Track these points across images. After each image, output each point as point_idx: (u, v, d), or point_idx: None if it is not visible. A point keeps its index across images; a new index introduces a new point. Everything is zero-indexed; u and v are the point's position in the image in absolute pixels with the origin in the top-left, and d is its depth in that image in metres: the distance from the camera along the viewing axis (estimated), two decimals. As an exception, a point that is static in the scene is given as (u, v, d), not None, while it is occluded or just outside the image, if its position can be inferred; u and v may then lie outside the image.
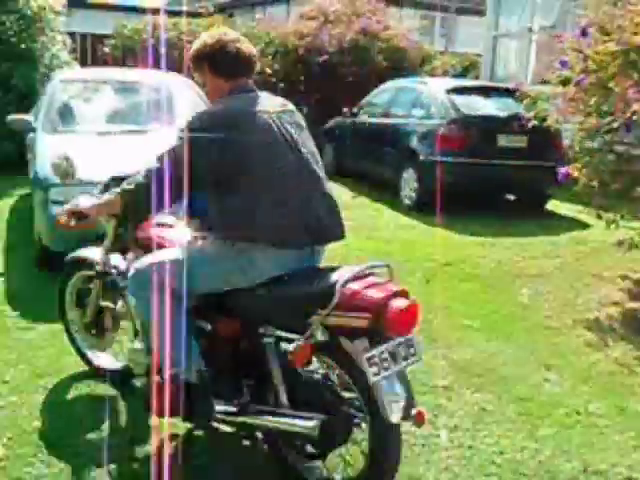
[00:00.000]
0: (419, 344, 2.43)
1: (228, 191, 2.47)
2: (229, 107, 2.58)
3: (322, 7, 13.24)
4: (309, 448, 2.51)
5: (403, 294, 2.35)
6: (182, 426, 2.89)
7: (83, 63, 10.70)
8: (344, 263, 2.63)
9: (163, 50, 9.27)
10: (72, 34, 10.52)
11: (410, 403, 2.33)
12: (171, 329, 2.53)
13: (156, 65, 8.19)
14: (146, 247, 2.87)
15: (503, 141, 7.58)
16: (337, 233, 2.62)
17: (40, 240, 5.03)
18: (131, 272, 2.72)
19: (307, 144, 2.64)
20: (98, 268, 3.16)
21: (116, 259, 3.16)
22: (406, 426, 2.48)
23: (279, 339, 2.48)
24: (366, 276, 2.39)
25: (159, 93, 6.40)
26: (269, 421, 2.49)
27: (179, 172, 2.42)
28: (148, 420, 2.96)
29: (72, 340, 3.54)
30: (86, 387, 3.40)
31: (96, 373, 3.44)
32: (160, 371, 2.62)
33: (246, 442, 2.89)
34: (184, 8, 12.15)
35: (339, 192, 7.13)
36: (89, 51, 11.43)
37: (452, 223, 6.89)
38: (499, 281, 5.37)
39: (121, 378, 3.32)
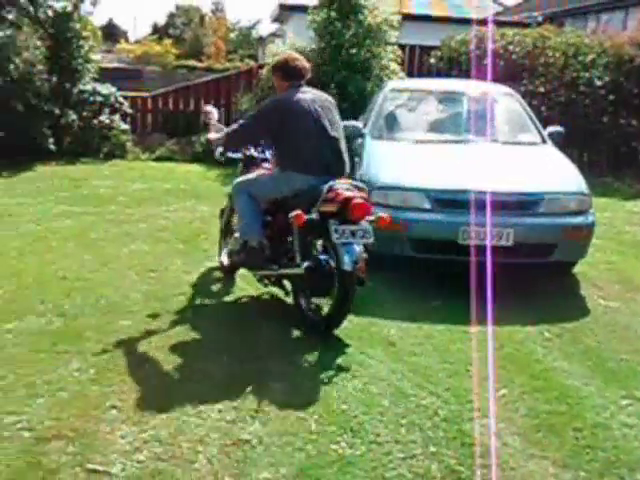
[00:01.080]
0: (370, 232, 3.99)
1: (279, 142, 4.38)
2: (284, 96, 4.41)
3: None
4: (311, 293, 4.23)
5: (363, 197, 3.99)
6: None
7: (410, 74, 11.19)
8: None
9: (489, 61, 9.28)
10: (402, 46, 11.06)
11: (358, 261, 3.90)
12: (249, 215, 4.44)
13: (480, 76, 8.25)
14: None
15: None
16: (340, 171, 4.32)
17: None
18: (233, 183, 4.69)
19: (328, 117, 4.40)
20: None
21: None
22: None
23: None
24: (349, 188, 4.04)
25: (481, 104, 6.46)
26: (290, 270, 4.24)
27: (253, 129, 4.42)
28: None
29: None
30: (390, 384, 3.59)
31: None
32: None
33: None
34: (509, 19, 12.01)
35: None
36: (416, 62, 11.89)
37: None
38: None
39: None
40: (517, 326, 4.34)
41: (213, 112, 5.10)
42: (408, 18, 13.86)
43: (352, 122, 6.63)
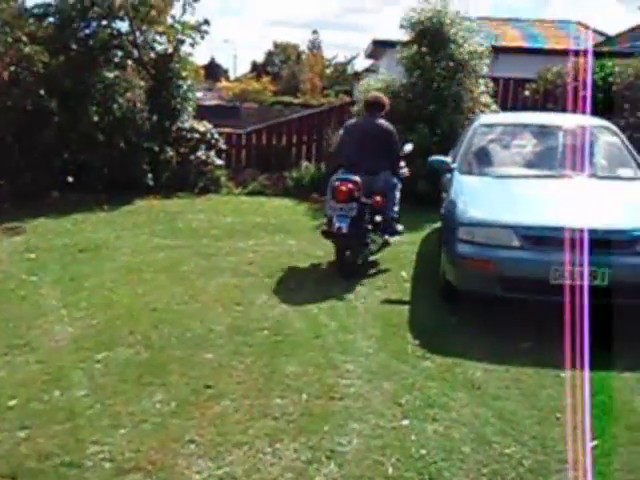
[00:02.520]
0: (353, 209, 5.88)
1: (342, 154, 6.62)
2: (353, 121, 7.13)
3: None
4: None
5: (347, 187, 5.92)
6: None
7: (504, 107, 10.98)
8: None
9: (587, 93, 8.97)
10: (496, 79, 10.89)
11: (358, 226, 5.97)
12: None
13: (577, 109, 7.99)
14: None
15: None
16: (372, 171, 6.24)
17: (444, 274, 5.29)
18: None
19: (376, 138, 6.41)
20: None
21: None
22: None
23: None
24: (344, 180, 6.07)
25: (576, 138, 6.23)
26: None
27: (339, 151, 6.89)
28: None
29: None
30: (472, 430, 3.45)
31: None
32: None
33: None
34: (611, 48, 11.59)
35: None
36: (510, 95, 11.66)
37: None
38: None
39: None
40: (613, 372, 4.09)
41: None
42: (503, 51, 13.71)
43: (440, 157, 6.58)
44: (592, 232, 4.62)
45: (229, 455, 3.15)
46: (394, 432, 3.39)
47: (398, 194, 6.63)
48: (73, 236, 7.60)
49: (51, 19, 9.97)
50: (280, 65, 63.92)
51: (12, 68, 9.17)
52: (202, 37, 10.94)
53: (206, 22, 10.92)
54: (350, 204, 5.92)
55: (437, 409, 3.63)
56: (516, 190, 5.49)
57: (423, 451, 3.21)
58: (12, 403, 3.61)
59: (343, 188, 5.91)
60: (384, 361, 4.26)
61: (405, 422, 3.49)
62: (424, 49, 9.73)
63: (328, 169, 10.36)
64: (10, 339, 4.50)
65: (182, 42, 10.70)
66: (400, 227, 6.71)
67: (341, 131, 6.84)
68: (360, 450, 3.21)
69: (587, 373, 3.90)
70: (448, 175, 6.32)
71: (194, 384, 3.89)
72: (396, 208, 6.61)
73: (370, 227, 6.29)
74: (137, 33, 10.55)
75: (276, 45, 67.53)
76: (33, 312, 5.06)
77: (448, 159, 6.49)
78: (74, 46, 9.85)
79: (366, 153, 6.29)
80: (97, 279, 5.93)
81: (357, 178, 6.01)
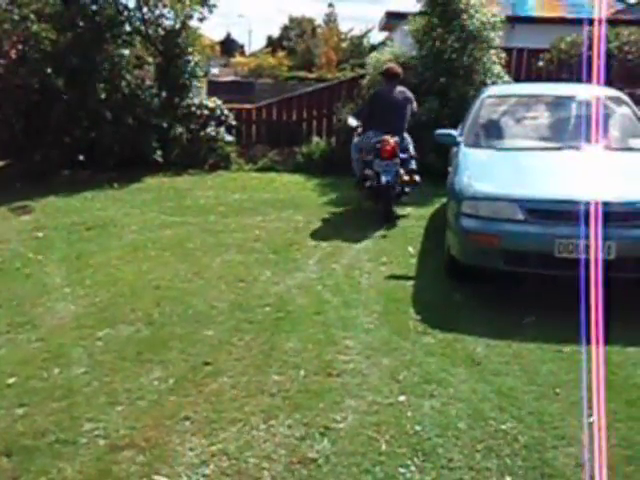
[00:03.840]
0: (397, 164, 6.98)
1: (371, 118, 7.40)
2: (379, 89, 7.88)
3: None
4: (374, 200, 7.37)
5: (390, 146, 6.93)
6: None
7: (517, 78, 10.79)
8: None
9: (600, 62, 8.77)
10: (509, 49, 10.68)
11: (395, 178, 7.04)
12: (354, 159, 7.80)
13: (591, 79, 7.81)
14: None
15: None
16: (399, 132, 7.27)
17: (449, 249, 5.23)
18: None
19: (400, 104, 7.49)
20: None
21: None
22: None
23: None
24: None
25: (588, 109, 6.09)
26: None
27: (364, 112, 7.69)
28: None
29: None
30: (469, 406, 3.42)
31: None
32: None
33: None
34: (629, 17, 11.31)
35: None
36: (524, 65, 11.44)
37: None
38: None
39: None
40: (616, 347, 4.01)
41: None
42: (516, 20, 13.44)
43: (446, 130, 6.48)
44: (600, 204, 4.50)
45: (223, 432, 3.15)
46: (390, 408, 3.36)
47: (413, 150, 7.59)
48: (81, 214, 7.62)
49: (58, -5, 9.89)
50: (295, 40, 63.34)
51: (19, 47, 9.15)
52: (210, 11, 10.83)
53: (216, -5, 10.80)
54: (394, 160, 6.99)
55: (435, 385, 3.59)
56: (522, 163, 5.38)
57: (418, 427, 3.18)
58: (11, 381, 3.63)
59: (388, 147, 6.92)
60: (384, 337, 4.23)
61: (402, 398, 3.46)
62: (435, 20, 9.55)
63: (338, 143, 10.36)
64: (13, 317, 4.53)
65: (190, 17, 10.61)
66: (418, 178, 7.53)
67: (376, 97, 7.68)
68: (354, 426, 3.20)
69: (589, 348, 3.84)
70: (455, 148, 6.22)
71: (193, 361, 3.89)
72: (414, 161, 7.57)
73: (407, 178, 7.34)
74: (144, 9, 10.47)
75: (291, 19, 66.87)
76: (37, 290, 5.08)
77: (454, 132, 6.38)
78: (81, 23, 9.78)
79: (395, 116, 7.38)
80: (103, 257, 5.94)
81: (396, 138, 7.07)
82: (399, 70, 7.81)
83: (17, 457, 2.95)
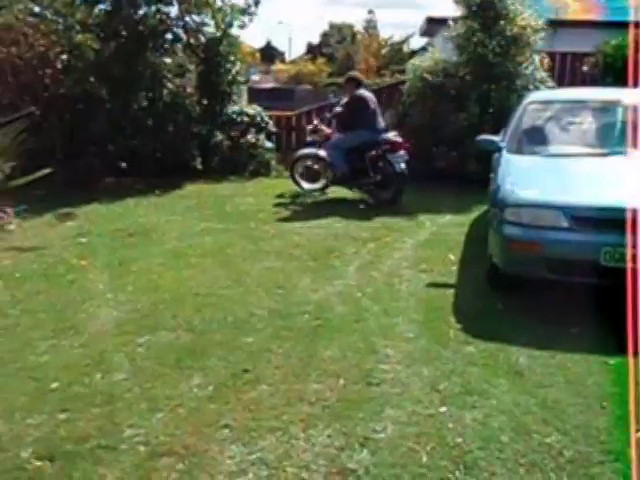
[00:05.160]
0: (404, 156, 8.23)
1: (359, 119, 8.43)
2: (363, 93, 8.60)
3: None
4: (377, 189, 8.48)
5: (399, 139, 8.35)
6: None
7: (560, 83, 10.62)
8: None
9: (646, 66, 8.56)
10: (552, 53, 10.52)
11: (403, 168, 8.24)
12: (336, 157, 8.57)
13: (637, 83, 7.63)
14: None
15: None
16: (385, 128, 8.54)
17: (491, 257, 5.14)
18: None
19: (376, 106, 8.55)
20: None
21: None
22: None
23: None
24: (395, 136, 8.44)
25: (636, 114, 5.93)
26: (368, 180, 8.47)
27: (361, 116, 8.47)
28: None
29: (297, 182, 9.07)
30: (512, 418, 3.34)
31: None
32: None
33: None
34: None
35: None
36: (568, 70, 11.26)
37: None
38: None
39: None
40: (665, 359, 3.89)
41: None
42: (559, 24, 13.21)
43: (488, 136, 6.38)
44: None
45: (262, 440, 3.14)
46: (431, 419, 3.31)
47: None
48: (124, 221, 7.73)
49: (101, 6, 10.10)
50: (335, 46, 63.47)
51: (64, 57, 9.34)
52: (251, 19, 10.92)
53: (256, 3, 10.88)
54: (404, 151, 8.26)
55: (477, 396, 3.53)
56: (567, 169, 5.27)
57: (459, 439, 3.12)
58: (54, 386, 3.68)
59: (402, 141, 8.29)
60: (425, 346, 4.18)
61: (443, 409, 3.40)
62: (476, 25, 9.46)
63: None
64: (57, 323, 4.60)
65: (231, 25, 10.70)
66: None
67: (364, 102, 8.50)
68: (395, 437, 3.15)
69: (637, 360, 3.73)
70: (497, 155, 6.13)
71: (232, 368, 3.89)
72: None
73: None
74: (186, 17, 10.60)
75: (331, 26, 67.08)
76: (80, 296, 5.16)
77: (496, 138, 6.29)
78: (124, 32, 9.95)
79: (380, 116, 8.63)
80: (144, 263, 6.01)
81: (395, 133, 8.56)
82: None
83: (59, 462, 2.98)
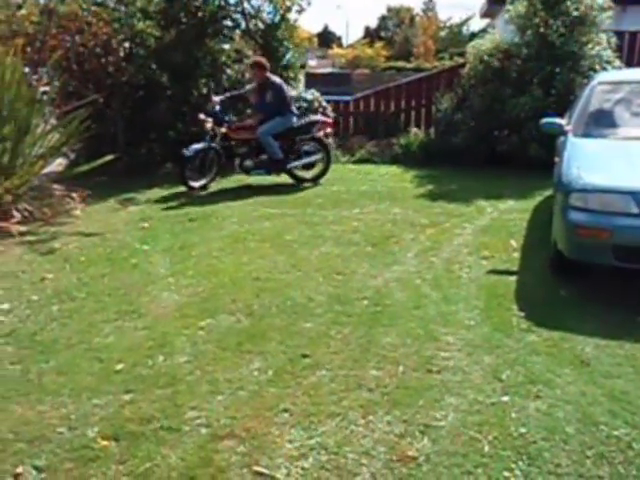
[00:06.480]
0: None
1: (286, 104, 8.78)
2: (279, 80, 8.91)
3: None
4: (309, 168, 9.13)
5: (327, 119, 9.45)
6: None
7: (629, 63, 10.23)
8: None
9: None
10: (620, 33, 10.13)
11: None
12: (272, 143, 8.63)
13: None
14: None
15: None
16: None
17: (555, 244, 5.01)
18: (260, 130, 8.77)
19: None
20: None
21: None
22: None
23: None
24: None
25: None
26: (299, 162, 8.99)
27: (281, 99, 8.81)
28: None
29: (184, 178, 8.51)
30: (578, 409, 3.25)
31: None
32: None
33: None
34: None
35: None
36: (637, 50, 10.83)
37: None
38: None
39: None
40: None
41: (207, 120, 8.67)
42: (628, 1, 12.70)
43: (553, 119, 6.18)
44: None
45: (322, 426, 3.14)
46: (493, 408, 3.25)
47: None
48: (184, 206, 7.85)
49: (162, -7, 10.18)
50: (393, 30, 62.82)
51: (126, 44, 9.49)
52: (309, 3, 10.86)
53: (313, -12, 10.83)
54: (330, 129, 9.54)
55: (541, 386, 3.44)
56: (636, 153, 5.07)
57: (523, 429, 3.05)
58: (119, 367, 3.76)
59: (331, 120, 9.71)
60: (486, 334, 4.10)
61: (505, 398, 3.34)
62: (538, 4, 9.18)
63: (437, 134, 10.28)
64: (121, 305, 4.71)
65: (289, 9, 10.67)
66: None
67: (286, 86, 9.03)
68: (456, 426, 3.11)
69: None
70: (562, 138, 5.95)
71: (291, 353, 3.90)
72: None
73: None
74: (245, 3, 10.61)
75: (389, 9, 66.41)
76: (143, 280, 5.26)
77: (562, 121, 6.09)
78: (184, 19, 10.03)
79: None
80: (204, 248, 6.08)
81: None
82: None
83: (124, 442, 3.04)
